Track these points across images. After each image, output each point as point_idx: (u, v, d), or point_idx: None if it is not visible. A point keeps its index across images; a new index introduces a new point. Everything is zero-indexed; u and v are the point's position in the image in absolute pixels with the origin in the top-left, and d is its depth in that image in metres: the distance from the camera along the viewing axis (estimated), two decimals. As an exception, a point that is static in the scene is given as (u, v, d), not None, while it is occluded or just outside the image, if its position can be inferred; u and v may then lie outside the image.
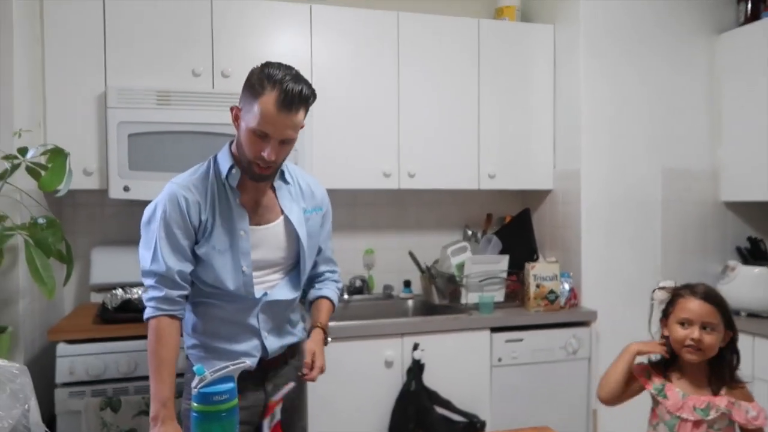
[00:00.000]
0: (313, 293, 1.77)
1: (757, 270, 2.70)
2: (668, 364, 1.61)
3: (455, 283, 2.85)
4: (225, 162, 1.58)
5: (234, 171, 1.57)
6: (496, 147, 2.91)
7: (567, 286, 2.80)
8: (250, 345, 1.61)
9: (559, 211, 2.98)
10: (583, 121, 2.83)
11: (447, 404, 2.46)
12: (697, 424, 1.52)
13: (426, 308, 2.91)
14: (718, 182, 3.01)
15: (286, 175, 1.66)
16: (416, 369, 2.45)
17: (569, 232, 2.90)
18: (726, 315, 1.54)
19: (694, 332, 1.51)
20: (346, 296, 2.87)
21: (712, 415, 1.51)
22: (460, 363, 2.55)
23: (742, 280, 2.70)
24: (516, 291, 2.90)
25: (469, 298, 2.82)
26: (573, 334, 2.72)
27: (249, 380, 1.57)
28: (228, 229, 1.56)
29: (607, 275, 2.84)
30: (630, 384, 1.63)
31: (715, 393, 1.53)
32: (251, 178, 1.56)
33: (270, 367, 1.65)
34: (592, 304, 2.81)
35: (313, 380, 1.61)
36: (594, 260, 2.83)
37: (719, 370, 1.55)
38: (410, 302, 2.99)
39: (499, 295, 2.86)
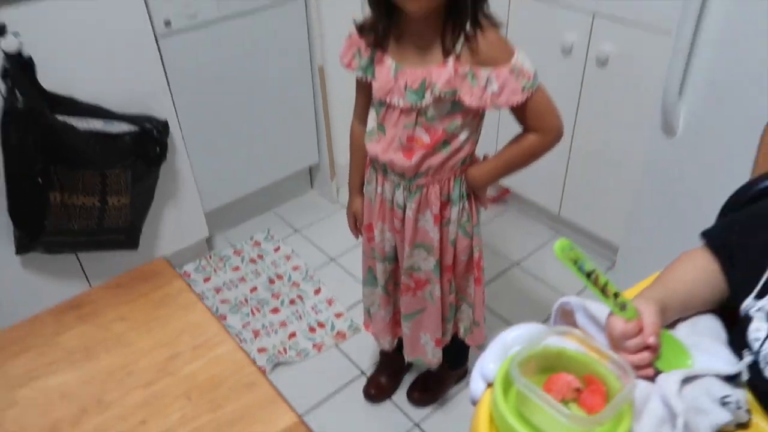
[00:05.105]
0: None
1: None
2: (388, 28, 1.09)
3: None
4: None
5: None
6: None
7: None
8: None
9: None
10: None
11: (98, 111, 1.56)
12: (406, 112, 1.08)
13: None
14: None
15: None
16: (18, 70, 1.41)
17: None
18: None
19: None
20: None
21: (427, 99, 1.04)
22: (99, 43, 1.58)
23: None
24: None
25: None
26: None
27: None
28: None
29: None
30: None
31: (446, 56, 1.02)
32: None
33: None
34: None
35: None
36: None
37: (456, 16, 1.01)
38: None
39: None
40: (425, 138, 1.11)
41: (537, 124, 1.09)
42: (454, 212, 1.21)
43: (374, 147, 1.17)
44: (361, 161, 1.29)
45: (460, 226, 1.23)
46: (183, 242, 1.98)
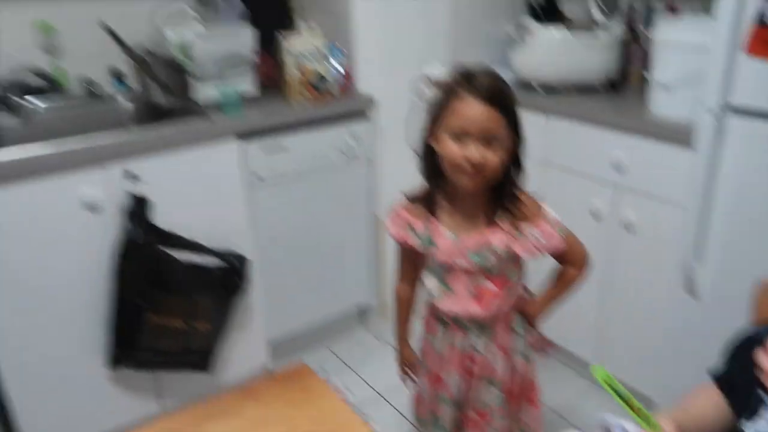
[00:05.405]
0: None
1: (557, 33, 2.10)
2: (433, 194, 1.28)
3: (180, 71, 1.98)
4: None
5: None
6: None
7: (338, 66, 2.11)
8: None
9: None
10: None
11: (195, 247, 1.85)
12: (470, 271, 1.27)
13: (151, 112, 2.08)
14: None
15: None
16: (139, 209, 1.74)
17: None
18: (514, 117, 1.15)
19: (473, 151, 1.11)
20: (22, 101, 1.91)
21: (491, 258, 1.23)
22: (203, 190, 1.90)
23: (539, 44, 2.12)
24: (273, 78, 2.18)
25: (204, 92, 1.99)
26: (349, 130, 2.16)
27: None
28: None
29: (386, 47, 2.21)
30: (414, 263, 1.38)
31: (492, 221, 1.22)
32: None
33: None
34: (369, 87, 2.20)
35: None
36: (369, 28, 2.16)
37: (500, 194, 1.22)
38: (129, 105, 2.11)
39: (248, 85, 2.07)
40: (493, 287, 1.29)
41: (572, 258, 1.32)
42: (517, 342, 1.38)
43: (447, 304, 1.33)
44: (407, 317, 1.49)
45: (520, 353, 1.39)
46: (246, 368, 2.15)
